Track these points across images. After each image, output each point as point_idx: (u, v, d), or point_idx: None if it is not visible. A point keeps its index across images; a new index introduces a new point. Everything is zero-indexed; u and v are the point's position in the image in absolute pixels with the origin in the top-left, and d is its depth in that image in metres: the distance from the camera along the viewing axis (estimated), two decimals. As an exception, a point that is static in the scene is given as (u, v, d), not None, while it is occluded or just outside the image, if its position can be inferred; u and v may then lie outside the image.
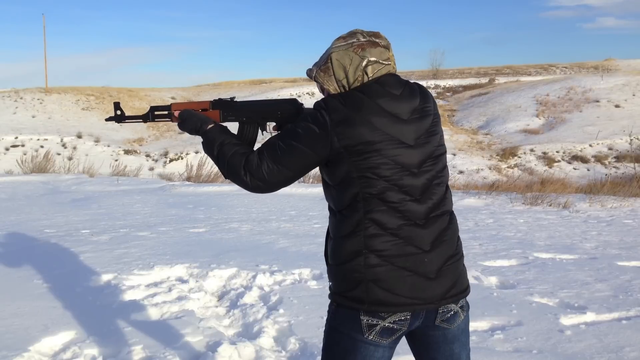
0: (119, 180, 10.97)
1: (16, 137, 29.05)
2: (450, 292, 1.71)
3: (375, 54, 1.71)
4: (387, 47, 1.75)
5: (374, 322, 1.66)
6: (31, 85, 40.19)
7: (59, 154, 23.02)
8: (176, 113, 1.94)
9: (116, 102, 2.09)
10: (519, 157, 27.92)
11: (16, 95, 36.12)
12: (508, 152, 28.36)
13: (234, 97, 1.99)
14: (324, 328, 1.82)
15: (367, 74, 1.70)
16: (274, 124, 1.93)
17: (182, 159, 26.48)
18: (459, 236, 1.80)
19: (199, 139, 1.88)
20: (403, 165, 1.66)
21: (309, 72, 1.80)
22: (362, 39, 1.72)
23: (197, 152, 26.08)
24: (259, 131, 1.94)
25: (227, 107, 1.95)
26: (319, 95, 1.82)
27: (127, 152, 28.60)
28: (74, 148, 28.30)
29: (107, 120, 2.12)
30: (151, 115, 2.03)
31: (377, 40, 1.73)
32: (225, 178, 1.78)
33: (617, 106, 32.99)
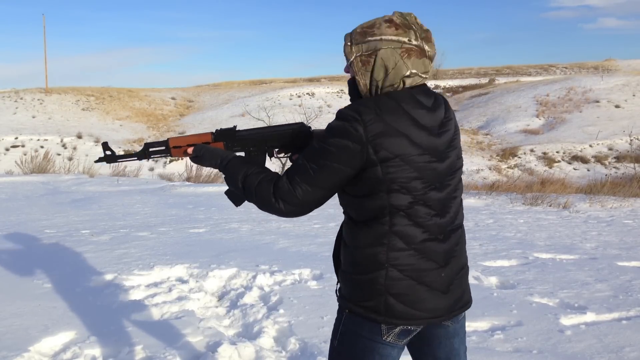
0: (119, 181, 10.98)
1: (16, 138, 29.07)
2: (457, 305, 1.72)
3: (418, 65, 1.62)
4: (432, 59, 1.66)
5: (393, 326, 1.66)
6: (31, 86, 40.25)
7: (59, 155, 23.04)
8: (190, 150, 1.87)
9: (104, 142, 2.02)
10: (519, 157, 27.95)
11: (16, 96, 36.14)
12: (508, 153, 28.40)
13: (235, 126, 1.92)
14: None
15: (404, 84, 1.62)
16: (280, 150, 1.88)
17: (182, 159, 26.47)
18: (465, 248, 1.80)
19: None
20: (430, 180, 1.62)
21: (347, 52, 1.65)
22: (414, 42, 1.60)
23: (197, 153, 26.00)
24: (266, 157, 1.88)
25: (230, 138, 1.88)
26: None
27: (127, 152, 28.62)
28: (74, 148, 28.33)
29: (96, 162, 2.06)
30: (147, 153, 1.95)
31: (427, 49, 1.63)
32: (259, 209, 1.71)
33: (617, 106, 32.99)
